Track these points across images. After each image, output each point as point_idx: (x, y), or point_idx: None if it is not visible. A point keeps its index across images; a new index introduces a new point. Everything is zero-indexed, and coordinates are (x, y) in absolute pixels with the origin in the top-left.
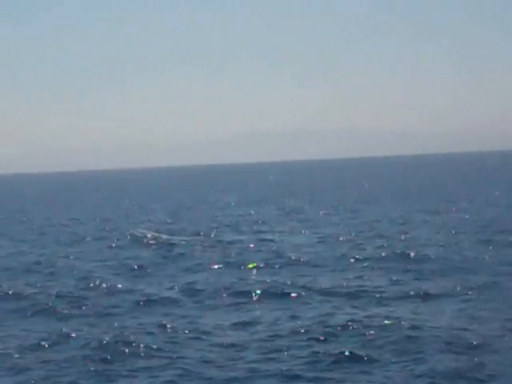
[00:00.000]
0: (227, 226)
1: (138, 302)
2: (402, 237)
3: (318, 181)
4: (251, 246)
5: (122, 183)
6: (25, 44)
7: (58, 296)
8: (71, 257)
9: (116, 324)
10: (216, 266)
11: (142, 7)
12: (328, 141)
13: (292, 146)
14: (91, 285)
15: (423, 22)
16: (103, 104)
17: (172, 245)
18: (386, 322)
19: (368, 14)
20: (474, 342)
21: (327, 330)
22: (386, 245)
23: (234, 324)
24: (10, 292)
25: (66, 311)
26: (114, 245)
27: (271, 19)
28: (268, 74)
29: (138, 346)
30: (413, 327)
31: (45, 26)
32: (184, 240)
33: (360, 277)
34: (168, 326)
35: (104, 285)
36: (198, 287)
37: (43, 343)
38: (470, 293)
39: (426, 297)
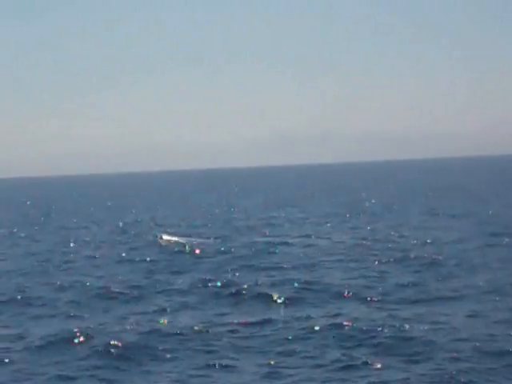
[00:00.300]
0: (248, 228)
1: (159, 305)
2: (429, 240)
3: (332, 184)
4: (273, 248)
5: (134, 187)
6: (25, 45)
7: (81, 296)
8: (94, 258)
9: (135, 324)
10: (236, 268)
11: (142, 7)
12: (329, 144)
13: (293, 151)
14: (115, 286)
15: (426, 22)
16: (102, 106)
17: (193, 247)
18: (408, 324)
19: (376, 15)
20: (494, 346)
21: (345, 332)
22: (407, 248)
23: (254, 325)
24: (39, 292)
25: (87, 313)
26: (135, 247)
27: (272, 19)
28: (269, 75)
29: (152, 348)
30: (433, 330)
31: (45, 26)
32: (205, 243)
33: (381, 279)
34: (192, 327)
35: (127, 286)
36: (218, 290)
37: (65, 344)
38: (490, 295)
39: (447, 299)
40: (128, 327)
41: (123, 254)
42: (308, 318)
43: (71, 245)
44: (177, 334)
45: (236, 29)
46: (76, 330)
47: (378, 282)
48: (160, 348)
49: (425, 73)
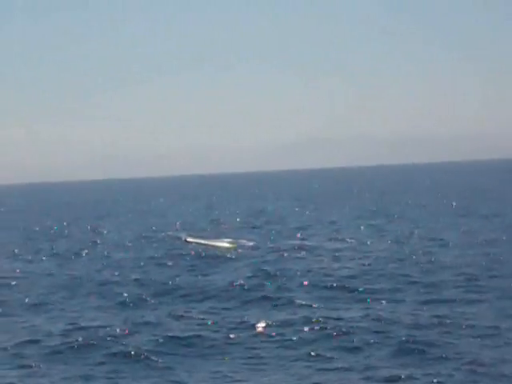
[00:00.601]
0: (278, 232)
1: (186, 307)
2: (461, 242)
3: (348, 187)
4: (304, 251)
5: (152, 191)
6: (29, 46)
7: (107, 299)
8: (122, 261)
9: (161, 328)
10: (266, 270)
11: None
12: (331, 147)
13: (301, 155)
14: (142, 289)
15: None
16: (103, 112)
17: (223, 250)
18: (435, 326)
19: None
20: None
21: (375, 334)
22: (439, 251)
23: (283, 328)
24: (66, 294)
25: (112, 316)
26: (164, 250)
27: (277, 20)
28: (277, 77)
29: (177, 352)
30: (460, 332)
31: (48, 27)
32: (236, 246)
33: (410, 281)
34: (220, 330)
35: (154, 288)
36: (247, 293)
37: (88, 346)
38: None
39: (476, 301)
40: (154, 331)
41: (151, 257)
42: (338, 319)
43: (100, 247)
44: (204, 337)
45: (239, 30)
46: (100, 333)
47: (408, 284)
48: (186, 352)
49: (450, 76)
